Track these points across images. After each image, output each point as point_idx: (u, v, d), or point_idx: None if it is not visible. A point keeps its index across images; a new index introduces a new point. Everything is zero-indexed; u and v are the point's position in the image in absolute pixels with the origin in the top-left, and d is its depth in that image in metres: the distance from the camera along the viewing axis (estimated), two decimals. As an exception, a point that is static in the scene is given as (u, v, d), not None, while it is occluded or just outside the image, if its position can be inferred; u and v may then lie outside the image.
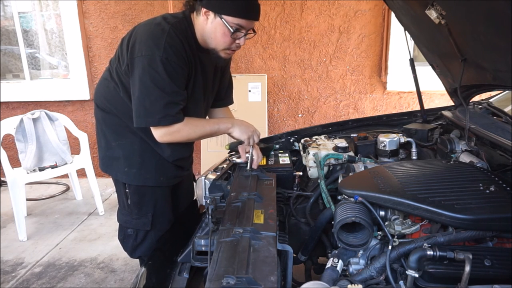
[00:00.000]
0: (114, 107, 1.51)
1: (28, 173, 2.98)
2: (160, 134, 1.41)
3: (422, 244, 0.92)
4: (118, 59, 1.46)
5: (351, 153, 1.56)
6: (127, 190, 1.56)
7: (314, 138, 1.78)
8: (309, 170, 1.56)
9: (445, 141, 1.43)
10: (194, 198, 1.84)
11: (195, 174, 1.95)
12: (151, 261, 1.29)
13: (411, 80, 1.87)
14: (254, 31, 1.44)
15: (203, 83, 1.55)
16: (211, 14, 1.34)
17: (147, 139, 1.49)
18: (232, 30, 1.34)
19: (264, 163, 1.61)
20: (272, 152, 1.74)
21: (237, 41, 1.41)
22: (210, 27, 1.36)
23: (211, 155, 3.64)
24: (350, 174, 1.34)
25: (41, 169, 3.02)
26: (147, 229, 1.58)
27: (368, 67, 3.68)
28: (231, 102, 1.87)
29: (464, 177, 1.07)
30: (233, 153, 1.71)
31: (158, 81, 1.32)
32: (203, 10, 1.35)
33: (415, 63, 1.86)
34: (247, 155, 1.55)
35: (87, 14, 3.81)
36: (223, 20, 1.32)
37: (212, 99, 1.72)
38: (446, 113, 1.75)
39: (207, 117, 1.77)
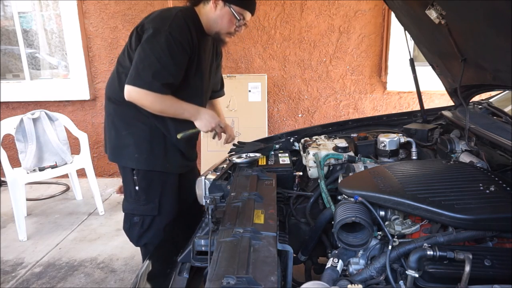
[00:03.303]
0: None
1: (28, 173, 2.98)
2: (134, 94, 1.47)
3: (422, 244, 0.92)
4: (127, 47, 1.58)
5: (351, 153, 1.56)
6: (135, 177, 1.64)
7: (314, 138, 1.78)
8: (309, 170, 1.56)
9: (445, 141, 1.43)
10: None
11: (195, 174, 1.96)
12: (151, 261, 1.29)
13: (411, 80, 1.87)
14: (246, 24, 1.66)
15: (206, 69, 1.67)
16: (220, 3, 1.55)
17: (159, 125, 1.61)
18: (238, 18, 1.57)
19: (264, 163, 1.61)
20: (272, 152, 1.74)
21: (237, 28, 1.61)
22: (218, 14, 1.56)
23: (211, 155, 3.64)
24: (350, 174, 1.34)
25: (41, 169, 3.02)
26: (155, 214, 1.65)
27: (368, 67, 3.68)
28: (223, 93, 2.04)
29: (464, 177, 1.07)
30: (233, 153, 1.71)
31: (157, 50, 1.44)
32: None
33: (415, 63, 1.85)
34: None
35: (87, 14, 3.81)
36: (231, 9, 1.55)
37: (210, 91, 1.84)
38: (446, 113, 1.75)
39: None
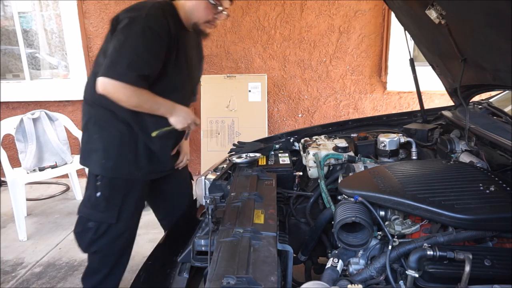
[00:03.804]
0: (101, 96, 1.49)
1: (28, 173, 2.98)
2: (108, 85, 1.38)
3: (422, 244, 0.92)
4: (104, 44, 1.52)
5: (351, 153, 1.56)
6: (98, 183, 1.55)
7: (314, 138, 1.78)
8: (309, 170, 1.56)
9: (445, 141, 1.43)
10: (194, 198, 1.84)
11: (195, 174, 1.95)
12: (151, 261, 1.29)
13: (411, 80, 1.87)
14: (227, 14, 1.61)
15: (187, 64, 1.60)
16: None
17: (135, 125, 1.53)
18: (213, 3, 1.51)
19: (264, 163, 1.61)
20: (272, 152, 1.74)
21: (215, 15, 1.56)
22: (194, 3, 1.51)
23: (211, 155, 3.64)
24: (350, 174, 1.34)
25: (41, 169, 3.02)
26: (112, 222, 1.57)
27: (368, 67, 3.67)
28: (195, 99, 1.94)
29: (464, 177, 1.07)
30: (233, 153, 1.71)
31: (132, 40, 1.37)
32: None
33: (415, 63, 1.85)
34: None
35: (87, 14, 3.81)
36: None
37: (196, 86, 1.79)
38: (446, 113, 1.75)
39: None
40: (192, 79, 1.74)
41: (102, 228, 1.57)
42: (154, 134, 1.54)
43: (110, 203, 1.56)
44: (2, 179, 3.75)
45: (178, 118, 1.54)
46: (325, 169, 1.54)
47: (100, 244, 1.59)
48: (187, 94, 1.71)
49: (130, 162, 1.56)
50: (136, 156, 1.57)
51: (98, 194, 1.55)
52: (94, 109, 1.56)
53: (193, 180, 1.93)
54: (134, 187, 1.61)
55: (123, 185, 1.58)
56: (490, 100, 1.80)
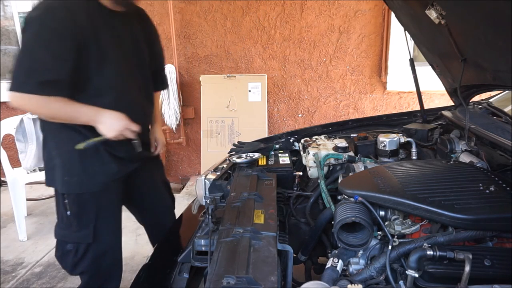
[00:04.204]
0: None
1: (28, 173, 2.98)
2: (14, 98, 1.26)
3: (422, 244, 0.92)
4: None
5: (351, 153, 1.56)
6: (66, 201, 1.45)
7: (314, 138, 1.78)
8: (309, 170, 1.56)
9: (445, 141, 1.43)
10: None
11: (195, 174, 1.94)
12: (151, 261, 1.29)
13: (411, 80, 1.87)
14: None
15: (120, 53, 1.43)
16: None
17: (91, 135, 1.39)
18: None
19: (264, 163, 1.61)
20: (272, 152, 1.74)
21: None
22: None
23: (211, 155, 3.64)
24: (350, 174, 1.34)
25: (41, 169, 3.01)
26: (89, 242, 1.46)
27: (368, 67, 3.68)
28: (164, 86, 1.79)
29: (464, 177, 1.07)
30: (233, 153, 1.71)
31: (28, 44, 1.25)
32: None
33: (415, 63, 1.85)
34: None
35: (87, 14, 3.81)
36: None
37: (147, 75, 1.59)
38: (446, 113, 1.75)
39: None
40: (138, 68, 1.52)
41: (81, 249, 1.47)
42: (79, 146, 1.36)
43: (82, 221, 1.45)
44: (2, 179, 3.76)
45: (105, 126, 1.36)
46: (325, 169, 1.54)
47: (84, 265, 1.50)
48: (134, 88, 1.51)
49: (97, 173, 1.44)
50: (103, 164, 1.45)
51: (68, 213, 1.45)
52: (47, 123, 1.43)
53: (171, 192, 1.84)
54: (107, 197, 1.49)
55: (93, 199, 1.46)
56: (490, 100, 1.80)
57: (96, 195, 1.46)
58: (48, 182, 1.49)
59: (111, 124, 1.36)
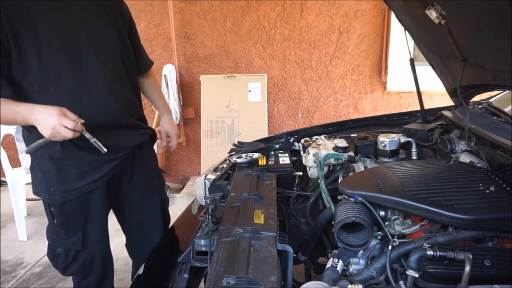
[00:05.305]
0: None
1: (28, 173, 2.97)
2: None
3: (422, 244, 0.92)
4: None
5: (351, 153, 1.56)
6: (52, 209, 1.41)
7: (314, 138, 1.78)
8: (309, 170, 1.56)
9: (445, 141, 1.43)
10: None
11: (195, 174, 1.93)
12: (151, 261, 1.29)
13: (411, 80, 1.87)
14: None
15: (63, 35, 1.26)
16: None
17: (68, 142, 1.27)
18: None
19: (264, 163, 1.61)
20: (272, 152, 1.74)
21: None
22: None
23: (211, 155, 3.64)
24: (350, 174, 1.34)
25: (41, 169, 3.01)
26: (78, 249, 1.44)
27: (368, 67, 3.67)
28: (146, 65, 1.64)
29: (464, 177, 1.07)
30: (233, 153, 1.71)
31: None
32: None
33: (415, 63, 1.85)
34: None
35: (87, 14, 3.81)
36: None
37: (117, 58, 1.43)
38: (446, 113, 1.75)
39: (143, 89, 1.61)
40: (100, 51, 1.35)
41: (71, 255, 1.46)
42: (26, 150, 1.27)
43: (69, 230, 1.42)
44: (2, 179, 3.75)
45: (39, 124, 1.19)
46: (325, 169, 1.54)
47: (75, 268, 1.49)
48: (97, 74, 1.33)
49: (82, 175, 1.35)
50: (82, 168, 1.35)
51: (55, 221, 1.41)
52: (23, 131, 1.38)
53: (164, 210, 1.74)
54: (92, 205, 1.43)
55: (80, 205, 1.40)
56: (490, 100, 1.80)
57: (82, 202, 1.40)
58: (34, 191, 1.44)
59: (44, 121, 1.17)
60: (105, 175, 1.42)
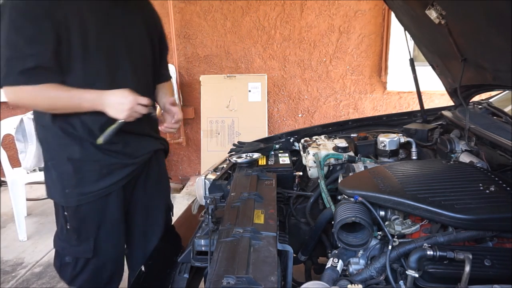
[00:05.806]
0: (34, 111, 1.36)
1: (28, 173, 2.98)
2: (7, 94, 1.19)
3: (422, 244, 0.92)
4: None
5: (351, 153, 1.56)
6: (66, 213, 1.36)
7: (314, 138, 1.78)
8: (309, 170, 1.56)
9: (445, 141, 1.43)
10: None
11: (195, 174, 1.93)
12: (151, 261, 1.29)
13: (411, 80, 1.87)
14: None
15: (108, 38, 1.30)
16: None
17: (85, 135, 1.30)
18: None
19: (264, 163, 1.61)
20: (272, 152, 1.74)
21: None
22: None
23: (211, 155, 3.64)
24: (350, 174, 1.34)
25: (41, 169, 3.00)
26: (88, 257, 1.38)
27: (368, 67, 3.67)
28: (166, 77, 1.65)
29: (464, 177, 1.07)
30: (233, 153, 1.71)
31: (4, 34, 1.15)
32: None
33: (415, 63, 1.85)
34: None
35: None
36: None
37: (147, 68, 1.48)
38: (446, 113, 1.75)
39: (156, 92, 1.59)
40: (135, 59, 1.39)
41: (80, 263, 1.40)
42: (99, 141, 1.26)
43: (82, 235, 1.37)
44: (2, 179, 3.75)
45: (113, 108, 1.23)
46: (325, 169, 1.54)
47: (83, 279, 1.42)
48: (129, 80, 1.36)
49: (98, 178, 1.33)
50: (101, 171, 1.33)
51: (68, 226, 1.37)
52: (40, 130, 1.35)
53: (172, 213, 1.74)
54: (107, 209, 1.39)
55: (94, 209, 1.36)
56: (490, 100, 1.80)
57: (97, 206, 1.37)
58: (48, 194, 1.40)
59: (119, 104, 1.23)
60: (123, 179, 1.40)
